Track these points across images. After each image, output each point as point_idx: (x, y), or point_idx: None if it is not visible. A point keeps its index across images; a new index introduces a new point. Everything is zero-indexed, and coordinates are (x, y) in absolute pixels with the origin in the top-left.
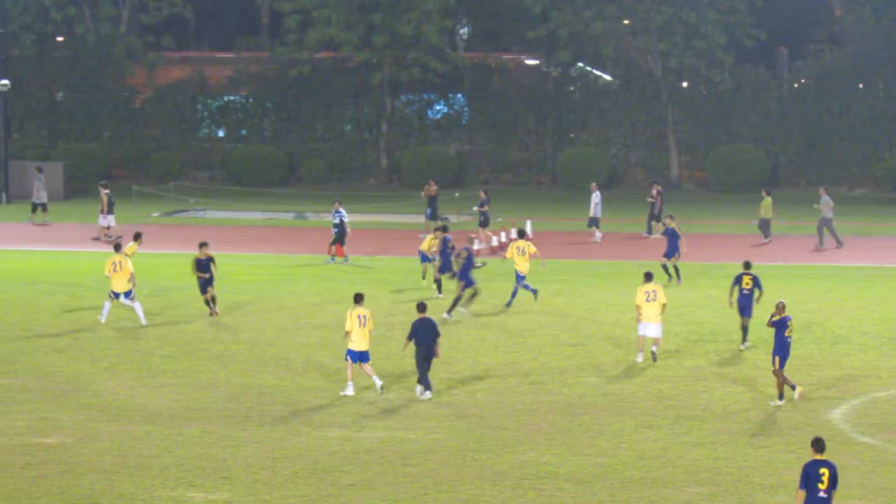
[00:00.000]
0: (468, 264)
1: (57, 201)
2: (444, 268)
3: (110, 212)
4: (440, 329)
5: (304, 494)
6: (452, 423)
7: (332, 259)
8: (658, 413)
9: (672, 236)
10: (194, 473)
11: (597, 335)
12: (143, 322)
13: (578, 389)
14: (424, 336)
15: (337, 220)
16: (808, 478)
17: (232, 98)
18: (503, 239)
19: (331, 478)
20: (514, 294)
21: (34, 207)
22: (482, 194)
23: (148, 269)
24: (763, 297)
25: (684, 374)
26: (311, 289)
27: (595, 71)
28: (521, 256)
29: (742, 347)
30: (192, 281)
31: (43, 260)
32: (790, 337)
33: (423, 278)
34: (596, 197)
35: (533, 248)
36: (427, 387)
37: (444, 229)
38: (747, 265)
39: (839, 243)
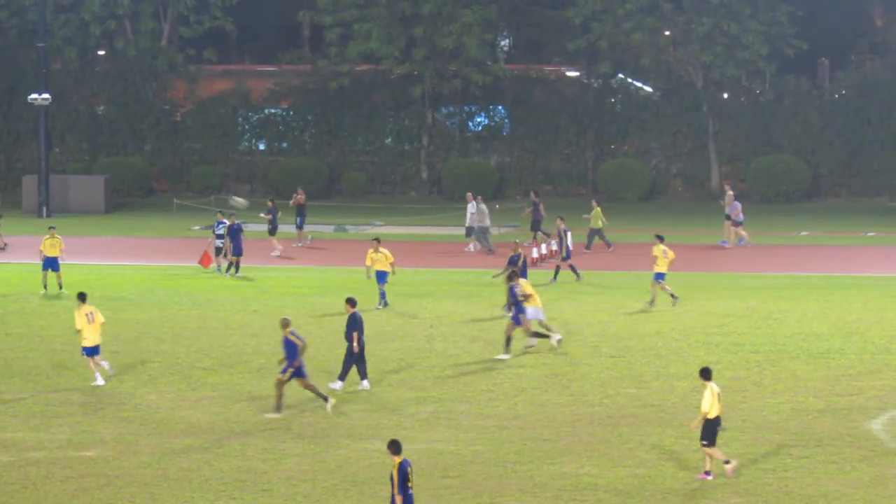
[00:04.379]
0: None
1: (98, 215)
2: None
3: None
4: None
5: None
6: (493, 435)
7: (219, 269)
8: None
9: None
10: (234, 486)
11: (637, 346)
12: None
13: (619, 400)
14: (351, 330)
15: (220, 231)
16: (405, 479)
17: (273, 111)
18: (543, 251)
19: (371, 490)
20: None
21: None
22: (269, 203)
23: (189, 283)
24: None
25: (724, 385)
26: None
27: (636, 82)
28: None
29: None
30: (233, 294)
31: (81, 274)
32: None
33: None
34: (471, 207)
35: (391, 258)
36: (341, 378)
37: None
38: None
39: (490, 251)
